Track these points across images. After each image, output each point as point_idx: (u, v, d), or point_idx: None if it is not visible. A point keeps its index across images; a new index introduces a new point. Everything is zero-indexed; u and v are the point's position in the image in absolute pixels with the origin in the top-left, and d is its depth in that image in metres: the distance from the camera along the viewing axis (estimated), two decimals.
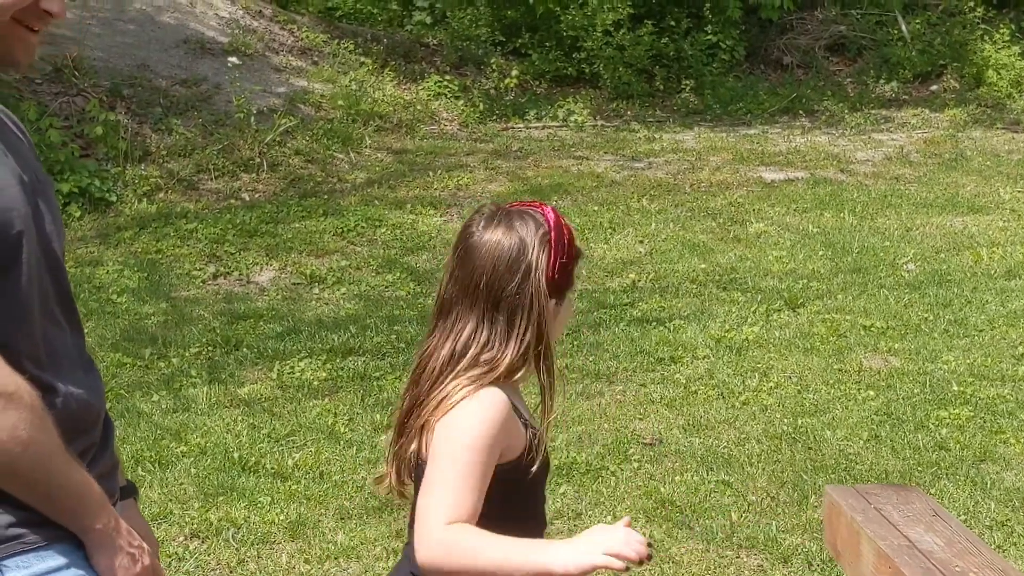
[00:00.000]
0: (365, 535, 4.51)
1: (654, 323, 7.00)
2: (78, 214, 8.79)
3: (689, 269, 8.11)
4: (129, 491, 2.19)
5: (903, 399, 5.87)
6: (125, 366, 6.26)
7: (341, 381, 6.13)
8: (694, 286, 7.76)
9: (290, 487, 4.90)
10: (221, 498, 4.79)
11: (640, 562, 1.95)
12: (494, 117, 12.62)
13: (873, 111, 13.41)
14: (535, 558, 1.98)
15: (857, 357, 6.47)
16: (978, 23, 14.80)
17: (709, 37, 14.32)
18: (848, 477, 5.03)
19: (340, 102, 11.48)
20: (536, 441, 2.17)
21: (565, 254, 2.17)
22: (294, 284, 7.84)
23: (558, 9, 14.08)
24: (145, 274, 7.77)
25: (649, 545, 1.97)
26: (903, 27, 14.77)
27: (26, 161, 1.95)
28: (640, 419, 5.68)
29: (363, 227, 8.85)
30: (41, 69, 10.16)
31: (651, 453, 5.29)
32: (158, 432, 5.41)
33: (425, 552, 2.03)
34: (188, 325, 6.92)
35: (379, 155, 10.92)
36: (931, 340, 6.71)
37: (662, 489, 4.92)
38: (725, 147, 11.58)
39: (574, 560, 1.95)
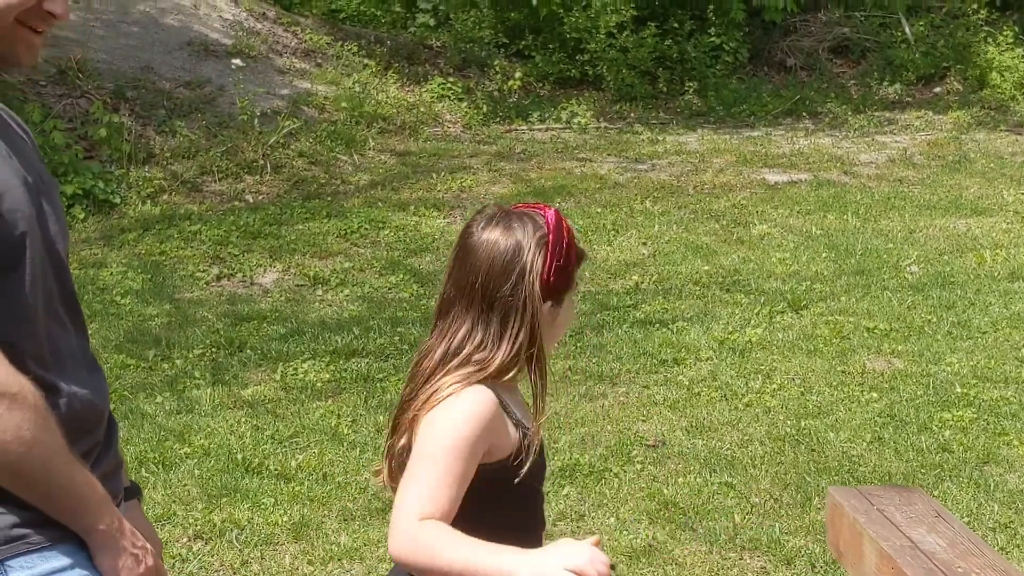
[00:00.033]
0: (368, 536, 4.51)
1: (657, 325, 7.00)
2: (82, 216, 8.81)
3: (692, 271, 8.11)
4: (133, 492, 2.19)
5: (906, 401, 5.87)
6: (129, 368, 6.26)
7: (344, 383, 6.13)
8: (697, 288, 7.76)
9: (293, 488, 4.90)
10: (225, 499, 4.79)
11: None
12: (497, 119, 12.62)
13: (876, 113, 13.40)
14: (498, 564, 1.97)
15: (860, 359, 6.47)
16: (982, 25, 14.78)
17: (712, 39, 14.31)
18: (851, 479, 5.02)
19: (344, 104, 11.49)
20: (528, 442, 2.16)
21: (562, 257, 2.16)
22: (298, 286, 7.85)
23: (561, 11, 14.08)
24: (149, 276, 7.78)
25: (612, 568, 1.97)
26: (907, 29, 14.76)
27: (30, 162, 1.95)
28: (643, 421, 5.68)
29: (366, 229, 8.85)
30: (45, 71, 10.17)
31: (654, 455, 5.29)
32: (162, 433, 5.42)
33: (394, 544, 2.06)
34: (192, 327, 6.93)
35: (383, 157, 10.93)
36: (934, 342, 6.70)
37: (665, 491, 4.92)
38: (728, 149, 11.57)
39: (537, 571, 1.94)
